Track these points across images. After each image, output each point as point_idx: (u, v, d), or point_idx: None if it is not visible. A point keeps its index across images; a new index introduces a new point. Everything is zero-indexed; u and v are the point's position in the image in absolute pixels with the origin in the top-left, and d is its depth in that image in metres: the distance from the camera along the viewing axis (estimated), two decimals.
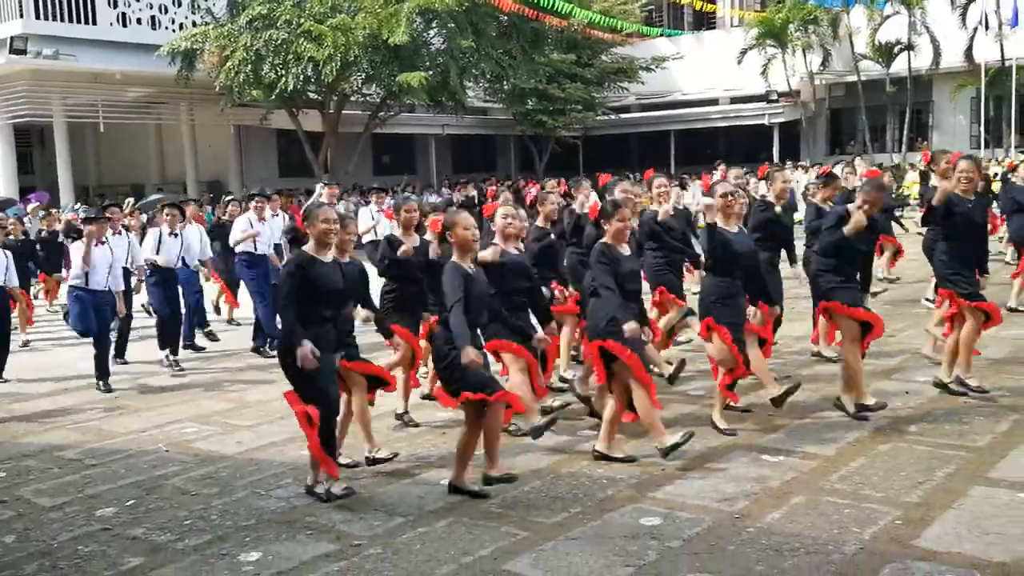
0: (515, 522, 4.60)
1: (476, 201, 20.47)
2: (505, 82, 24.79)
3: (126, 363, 9.23)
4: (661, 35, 30.22)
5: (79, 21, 20.80)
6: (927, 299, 9.79)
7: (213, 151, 26.47)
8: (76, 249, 8.28)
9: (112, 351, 8.72)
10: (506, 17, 22.62)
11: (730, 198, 5.88)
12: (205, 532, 4.69)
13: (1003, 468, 5.04)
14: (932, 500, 4.62)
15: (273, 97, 20.68)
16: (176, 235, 9.09)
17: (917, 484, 4.84)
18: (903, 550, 4.07)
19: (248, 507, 5.01)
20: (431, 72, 20.46)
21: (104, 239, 8.28)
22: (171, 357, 8.91)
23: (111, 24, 21.36)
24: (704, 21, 33.62)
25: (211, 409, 7.36)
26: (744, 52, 28.69)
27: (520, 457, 5.55)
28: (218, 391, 8.02)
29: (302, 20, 19.74)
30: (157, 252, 8.95)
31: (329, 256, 4.99)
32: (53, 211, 16.38)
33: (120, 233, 9.08)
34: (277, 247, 9.78)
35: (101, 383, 8.15)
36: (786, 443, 5.64)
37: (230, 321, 11.33)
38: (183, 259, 9.17)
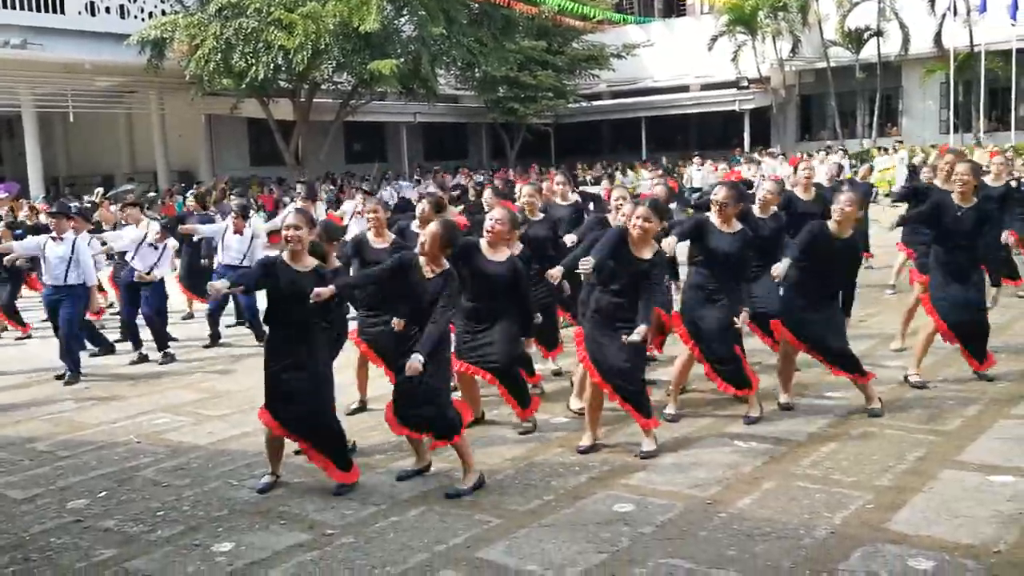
0: (488, 510, 4.61)
1: (465, 191, 19.92)
2: (476, 69, 24.70)
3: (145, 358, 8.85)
4: (631, 22, 30.22)
5: (47, 10, 20.45)
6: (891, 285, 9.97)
7: (184, 140, 26.18)
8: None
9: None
10: (477, 4, 22.54)
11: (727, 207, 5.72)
12: (177, 523, 4.65)
13: (972, 451, 5.12)
14: (902, 484, 4.68)
15: (244, 86, 20.45)
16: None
17: (887, 468, 4.91)
18: (873, 534, 4.12)
19: (220, 497, 4.98)
20: (402, 60, 20.34)
21: (63, 236, 8.22)
22: (165, 354, 8.75)
23: (80, 13, 21.00)
24: (674, 8, 33.68)
25: (183, 400, 7.29)
26: (714, 39, 28.79)
27: (493, 447, 5.56)
28: (189, 381, 7.94)
29: (272, 8, 19.53)
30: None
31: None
32: (22, 201, 16.20)
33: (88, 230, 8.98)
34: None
35: (66, 375, 8.07)
36: (758, 429, 5.69)
37: (190, 316, 11.12)
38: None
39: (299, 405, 4.85)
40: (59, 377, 8.19)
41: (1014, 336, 7.86)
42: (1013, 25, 23.64)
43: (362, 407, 6.48)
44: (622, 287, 5.17)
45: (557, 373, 7.15)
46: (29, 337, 10.46)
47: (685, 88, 30.68)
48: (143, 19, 21.80)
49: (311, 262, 4.92)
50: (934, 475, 4.78)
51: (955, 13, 24.85)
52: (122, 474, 5.48)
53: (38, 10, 20.28)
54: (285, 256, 4.88)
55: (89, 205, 16.86)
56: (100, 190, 20.45)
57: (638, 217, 5.16)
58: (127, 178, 25.88)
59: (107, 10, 21.54)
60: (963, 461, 4.98)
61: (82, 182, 26.01)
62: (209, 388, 7.66)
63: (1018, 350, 7.27)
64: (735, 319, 5.64)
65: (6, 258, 8.98)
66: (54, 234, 8.34)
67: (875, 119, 28.06)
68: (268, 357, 4.97)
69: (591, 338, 5.29)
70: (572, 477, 5.00)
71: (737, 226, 5.76)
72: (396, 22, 21.49)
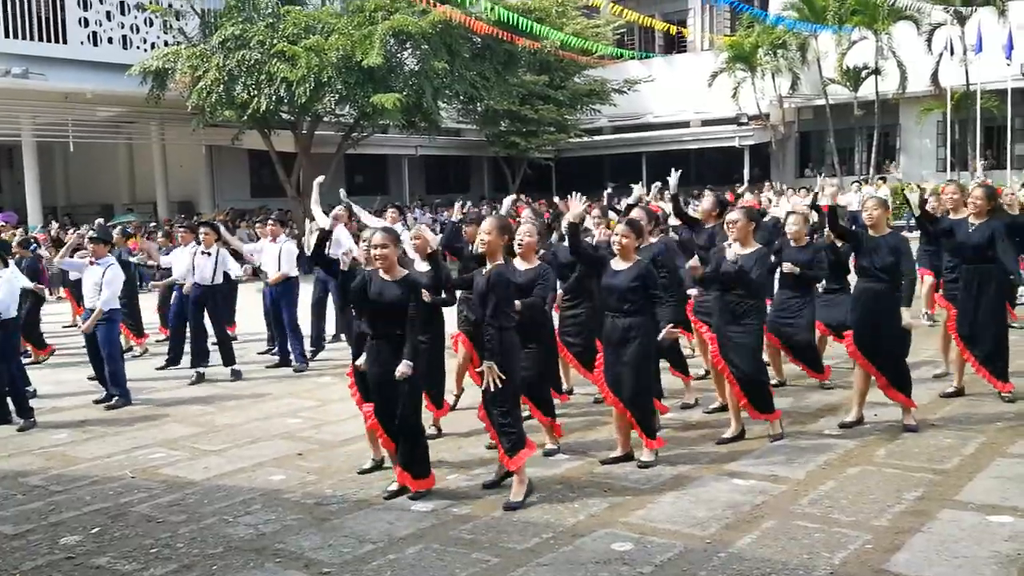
0: (486, 548, 4.57)
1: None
2: (479, 103, 24.86)
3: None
4: (633, 58, 30.51)
5: (49, 40, 20.63)
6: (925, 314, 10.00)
7: (184, 171, 26.27)
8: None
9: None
10: (479, 39, 22.70)
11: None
12: (171, 560, 4.61)
13: (970, 491, 5.10)
14: (901, 524, 4.65)
15: (245, 117, 20.58)
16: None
17: (886, 508, 4.88)
18: (873, 575, 4.08)
19: (216, 534, 4.94)
20: (405, 93, 20.49)
21: (99, 261, 8.35)
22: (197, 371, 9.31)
23: (82, 43, 21.19)
24: (675, 44, 34.01)
25: (179, 434, 7.26)
26: (714, 75, 29.03)
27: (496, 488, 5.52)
28: (186, 416, 7.91)
29: (275, 41, 19.69)
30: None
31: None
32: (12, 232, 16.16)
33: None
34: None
35: (115, 399, 8.25)
36: (757, 466, 5.67)
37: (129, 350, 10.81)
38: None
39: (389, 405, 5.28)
40: (99, 401, 8.35)
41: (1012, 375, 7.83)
42: (1008, 65, 23.85)
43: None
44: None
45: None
46: (38, 362, 10.47)
47: (685, 124, 30.87)
48: (145, 50, 21.97)
49: (400, 272, 5.29)
50: (933, 515, 4.75)
51: (952, 52, 25.06)
52: (116, 510, 5.44)
53: (40, 40, 20.45)
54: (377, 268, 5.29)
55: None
56: (100, 220, 20.51)
57: (618, 233, 5.70)
58: (126, 209, 25.93)
59: (109, 40, 21.74)
60: (961, 501, 4.95)
61: (81, 212, 26.05)
62: (207, 422, 7.62)
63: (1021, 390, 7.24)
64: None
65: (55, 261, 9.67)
66: (92, 258, 8.39)
67: (873, 156, 28.23)
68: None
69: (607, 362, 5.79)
70: (571, 515, 4.97)
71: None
72: (399, 56, 21.68)
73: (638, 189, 7.84)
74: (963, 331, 7.00)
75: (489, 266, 5.33)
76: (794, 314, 7.30)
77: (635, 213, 6.78)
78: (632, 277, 5.57)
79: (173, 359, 9.86)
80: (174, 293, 9.93)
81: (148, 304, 11.72)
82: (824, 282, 7.59)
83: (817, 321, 7.54)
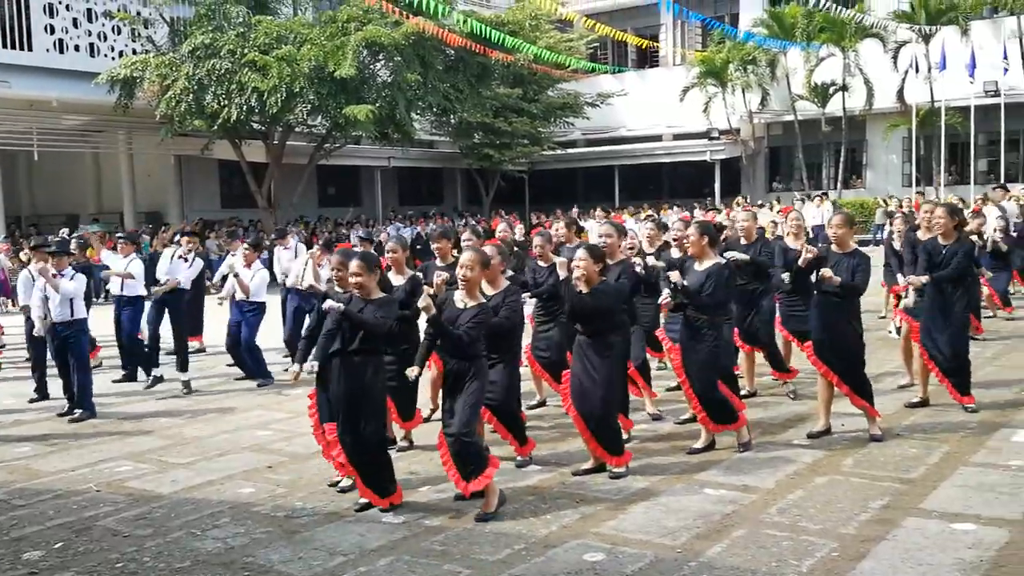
0: (458, 560, 4.55)
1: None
2: (452, 115, 24.90)
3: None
4: (606, 72, 30.74)
5: (14, 47, 20.33)
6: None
7: (152, 181, 26.00)
8: None
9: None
10: (453, 51, 22.77)
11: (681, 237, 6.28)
12: (137, 575, 4.54)
13: (934, 499, 5.17)
14: (867, 532, 4.70)
15: (216, 127, 20.43)
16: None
17: (853, 516, 4.94)
18: None
19: (183, 548, 4.88)
20: (378, 104, 20.46)
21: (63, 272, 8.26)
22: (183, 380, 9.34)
23: (48, 50, 20.91)
24: (647, 59, 34.32)
25: (146, 447, 7.16)
26: (686, 90, 29.36)
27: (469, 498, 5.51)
28: (154, 428, 7.81)
29: (246, 50, 19.59)
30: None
31: None
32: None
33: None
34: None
35: (78, 412, 8.19)
36: (727, 476, 5.71)
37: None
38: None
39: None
40: (63, 414, 8.25)
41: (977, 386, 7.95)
42: (971, 83, 24.37)
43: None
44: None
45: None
46: None
47: (658, 138, 31.14)
48: (113, 58, 21.71)
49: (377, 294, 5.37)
50: (898, 523, 4.81)
51: (917, 70, 25.54)
52: (80, 524, 5.35)
53: (5, 47, 20.11)
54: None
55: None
56: (66, 231, 20.23)
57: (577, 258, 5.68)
58: (92, 219, 25.59)
59: (76, 48, 21.45)
60: (926, 509, 5.02)
61: (46, 222, 25.66)
62: (175, 435, 7.53)
63: (984, 402, 7.35)
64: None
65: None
66: (55, 270, 8.25)
67: (840, 171, 28.64)
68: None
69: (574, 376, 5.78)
70: (543, 526, 4.97)
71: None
72: (372, 67, 21.66)
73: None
74: (927, 344, 7.11)
75: (467, 299, 5.29)
76: (751, 307, 7.49)
77: (603, 229, 6.76)
78: (597, 301, 5.59)
79: (142, 371, 9.78)
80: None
81: (104, 315, 11.50)
82: (787, 294, 7.65)
83: (785, 330, 7.72)
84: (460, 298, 5.31)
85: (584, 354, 5.69)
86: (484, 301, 5.38)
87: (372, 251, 6.04)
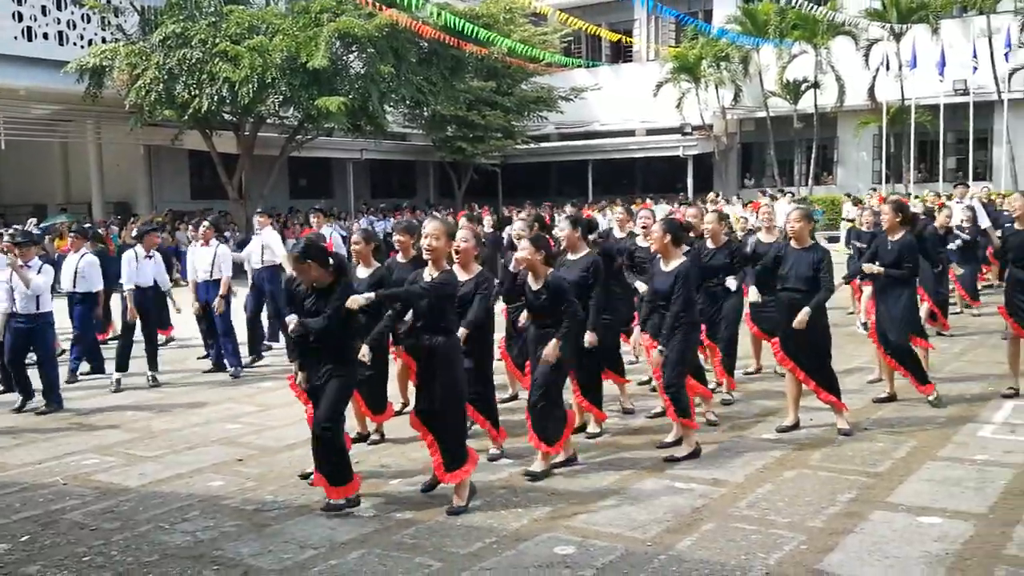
0: (429, 552, 4.55)
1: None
2: (425, 108, 24.79)
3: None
4: (579, 66, 30.76)
5: None
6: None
7: (122, 171, 25.65)
8: None
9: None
10: (426, 44, 22.65)
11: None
12: (105, 569, 4.49)
13: (901, 493, 5.24)
14: (835, 525, 4.76)
15: (186, 117, 20.19)
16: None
17: (821, 509, 4.99)
18: (808, 575, 4.17)
19: (151, 542, 4.83)
20: (351, 96, 20.32)
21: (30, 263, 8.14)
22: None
23: (15, 38, 20.52)
24: (621, 54, 34.39)
25: (113, 440, 7.08)
26: (659, 86, 29.44)
27: (440, 489, 5.50)
28: (121, 421, 7.72)
29: (218, 40, 19.36)
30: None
31: None
32: None
33: None
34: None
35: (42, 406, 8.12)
36: (697, 470, 5.75)
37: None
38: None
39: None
40: (19, 408, 8.15)
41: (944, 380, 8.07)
42: (941, 81, 24.68)
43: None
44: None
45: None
46: None
47: (631, 132, 31.22)
48: (82, 46, 21.39)
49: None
50: (865, 516, 4.87)
51: (888, 68, 25.82)
52: (47, 517, 5.28)
53: None
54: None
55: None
56: (33, 220, 19.91)
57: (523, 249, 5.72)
58: (60, 208, 25.22)
59: (44, 36, 21.09)
60: (893, 502, 5.09)
61: (13, 212, 25.25)
62: (143, 428, 7.45)
63: (951, 396, 7.47)
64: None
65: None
66: (20, 261, 8.08)
67: (811, 168, 28.90)
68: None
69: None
70: (514, 519, 4.98)
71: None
72: (345, 59, 21.50)
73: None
74: (880, 337, 7.31)
75: (433, 272, 5.29)
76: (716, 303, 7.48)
77: (562, 224, 6.72)
78: (543, 294, 5.61)
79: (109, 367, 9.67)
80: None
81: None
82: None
83: (754, 327, 7.87)
84: (428, 273, 5.30)
85: (536, 347, 5.72)
86: (450, 269, 5.38)
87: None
